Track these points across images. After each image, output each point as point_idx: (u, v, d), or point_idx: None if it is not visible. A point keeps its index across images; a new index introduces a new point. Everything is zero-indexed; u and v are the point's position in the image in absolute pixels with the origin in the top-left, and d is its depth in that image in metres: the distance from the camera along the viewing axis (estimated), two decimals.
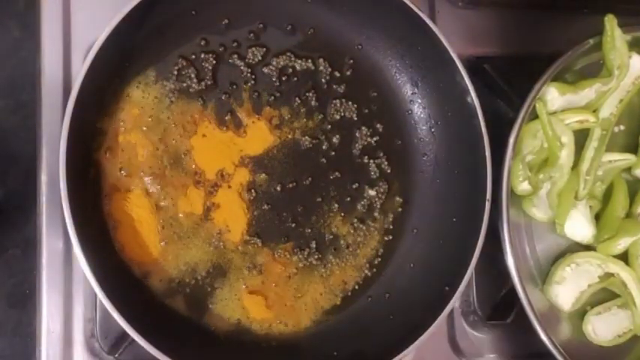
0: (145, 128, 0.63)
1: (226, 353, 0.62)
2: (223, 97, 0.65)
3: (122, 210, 0.61)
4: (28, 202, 0.64)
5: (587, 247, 0.71)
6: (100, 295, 0.55)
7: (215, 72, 0.65)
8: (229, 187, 0.64)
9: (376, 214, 0.67)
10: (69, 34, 0.66)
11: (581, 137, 0.70)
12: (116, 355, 0.63)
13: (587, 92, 0.69)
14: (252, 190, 0.64)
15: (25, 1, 0.67)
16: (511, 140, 0.64)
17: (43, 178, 0.64)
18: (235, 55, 0.66)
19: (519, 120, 0.64)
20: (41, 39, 0.65)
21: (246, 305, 0.63)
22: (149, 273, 0.62)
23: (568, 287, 0.68)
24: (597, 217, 0.71)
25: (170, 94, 0.64)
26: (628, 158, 0.72)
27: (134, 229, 0.62)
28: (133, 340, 0.55)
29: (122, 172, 0.62)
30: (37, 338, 0.63)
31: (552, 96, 0.68)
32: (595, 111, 0.71)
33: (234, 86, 0.65)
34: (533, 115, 0.67)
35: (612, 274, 0.68)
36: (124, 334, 0.58)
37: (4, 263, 0.66)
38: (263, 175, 0.65)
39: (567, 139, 0.68)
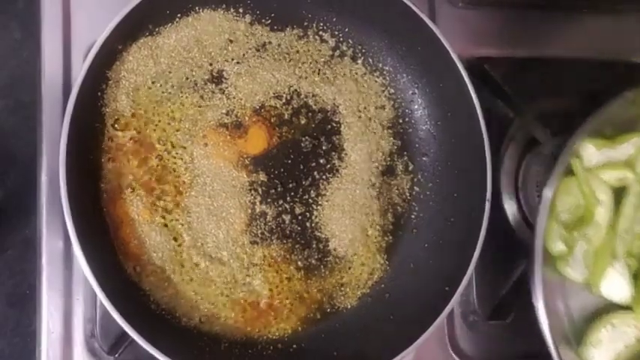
0: (145, 128, 0.63)
1: (226, 353, 0.62)
2: (224, 97, 0.65)
3: (122, 210, 0.62)
4: (28, 202, 0.64)
5: (626, 307, 0.67)
6: (100, 295, 0.55)
7: (215, 72, 0.65)
8: (230, 186, 0.64)
9: (376, 214, 0.67)
10: (69, 34, 0.66)
11: (619, 193, 0.67)
12: (116, 355, 0.63)
13: (626, 147, 0.66)
14: (252, 190, 0.65)
15: (25, 2, 0.68)
16: (547, 197, 0.60)
17: (43, 178, 0.64)
18: (235, 55, 0.66)
19: (555, 176, 0.61)
20: (41, 40, 0.66)
21: (246, 306, 0.63)
22: (149, 273, 0.62)
23: (604, 350, 0.65)
24: (636, 276, 0.67)
25: (170, 95, 0.64)
26: None
27: (134, 228, 0.62)
28: (133, 340, 0.55)
29: (122, 171, 0.62)
30: (37, 338, 0.63)
31: (589, 151, 0.65)
32: (634, 166, 0.67)
33: (234, 86, 0.65)
34: (568, 171, 0.63)
35: None
36: (124, 334, 0.58)
37: (4, 263, 0.66)
38: (263, 175, 0.65)
39: (605, 196, 0.65)
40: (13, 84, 0.67)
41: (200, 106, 0.64)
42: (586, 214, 0.65)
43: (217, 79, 0.65)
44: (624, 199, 0.66)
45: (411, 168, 0.69)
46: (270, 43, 0.67)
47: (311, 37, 0.68)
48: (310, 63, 0.68)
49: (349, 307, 0.66)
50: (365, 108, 0.68)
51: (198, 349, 0.61)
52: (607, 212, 0.65)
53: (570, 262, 0.66)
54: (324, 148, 0.67)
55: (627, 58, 0.78)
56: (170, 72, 0.64)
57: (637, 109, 0.66)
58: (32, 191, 0.64)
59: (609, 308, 0.67)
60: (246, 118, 0.65)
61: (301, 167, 0.66)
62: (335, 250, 0.66)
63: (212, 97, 0.65)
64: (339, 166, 0.67)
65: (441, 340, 0.70)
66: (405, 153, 0.69)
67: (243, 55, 0.66)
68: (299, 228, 0.65)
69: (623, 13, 0.78)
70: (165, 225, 0.62)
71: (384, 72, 0.69)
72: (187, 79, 0.65)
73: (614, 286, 0.66)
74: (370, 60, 0.69)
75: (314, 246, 0.65)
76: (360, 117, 0.68)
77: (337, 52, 0.69)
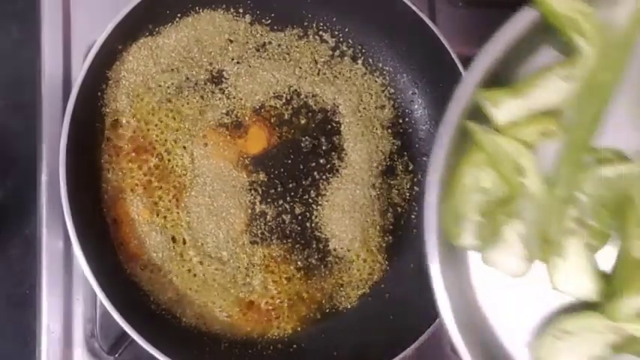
0: (145, 128, 0.63)
1: (225, 353, 0.62)
2: (224, 97, 0.65)
3: (122, 210, 0.62)
4: (28, 202, 0.65)
5: (591, 304, 0.50)
6: (100, 295, 0.55)
7: (215, 72, 0.65)
8: (230, 186, 0.64)
9: (376, 214, 0.67)
10: (69, 34, 0.66)
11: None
12: (116, 355, 0.63)
13: (540, 93, 0.50)
14: (252, 190, 0.65)
15: (25, 2, 0.68)
16: (435, 174, 0.48)
17: (43, 178, 0.64)
18: (235, 55, 0.66)
19: (441, 147, 0.49)
20: (41, 40, 0.66)
21: (246, 306, 0.63)
22: (149, 273, 0.62)
23: None
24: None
25: (170, 95, 0.64)
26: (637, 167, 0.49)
27: (134, 228, 0.62)
28: (133, 340, 0.55)
29: (122, 171, 0.62)
30: (37, 338, 0.63)
31: (496, 107, 0.50)
32: (558, 116, 0.50)
33: (234, 86, 0.65)
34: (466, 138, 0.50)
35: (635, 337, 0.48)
36: (124, 334, 0.58)
37: (4, 263, 0.66)
38: (263, 175, 0.65)
39: (528, 160, 0.49)
40: (12, 84, 0.67)
41: (200, 106, 0.64)
42: (510, 190, 0.50)
43: (217, 79, 0.65)
44: (559, 160, 0.50)
45: (411, 168, 0.69)
46: (270, 43, 0.67)
47: (311, 37, 0.68)
48: (310, 63, 0.68)
49: (349, 307, 0.66)
50: (365, 108, 0.68)
51: (199, 349, 0.61)
52: (538, 180, 0.49)
53: (501, 255, 0.50)
54: (324, 148, 0.67)
55: None
56: (170, 72, 0.64)
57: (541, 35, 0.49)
58: (32, 191, 0.64)
59: (572, 306, 0.51)
60: (246, 118, 0.65)
61: (301, 167, 0.66)
62: (335, 250, 0.66)
63: (212, 97, 0.65)
64: (339, 166, 0.67)
65: (441, 340, 0.70)
66: (405, 153, 0.69)
67: (243, 55, 0.66)
68: (299, 228, 0.65)
69: None
70: (165, 225, 0.62)
71: (384, 72, 0.69)
72: (187, 79, 0.65)
73: (572, 277, 0.49)
74: (370, 60, 0.69)
75: (314, 246, 0.65)
76: (360, 117, 0.68)
77: (337, 52, 0.69)
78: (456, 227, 0.50)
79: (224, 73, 0.66)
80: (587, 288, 0.49)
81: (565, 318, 0.50)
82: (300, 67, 0.67)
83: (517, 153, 0.50)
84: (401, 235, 0.68)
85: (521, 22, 0.49)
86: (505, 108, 0.50)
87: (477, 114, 0.50)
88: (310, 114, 0.67)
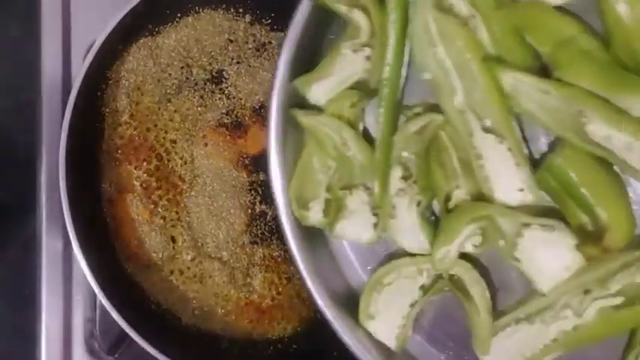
0: (145, 128, 0.63)
1: (226, 353, 0.62)
2: (224, 97, 0.65)
3: (122, 210, 0.62)
4: (28, 202, 0.65)
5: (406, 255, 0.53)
6: (100, 296, 0.55)
7: (215, 72, 0.65)
8: (230, 186, 0.64)
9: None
10: (69, 34, 0.66)
11: None
12: (116, 355, 0.63)
13: (346, 66, 0.51)
14: (252, 190, 0.65)
15: (25, 2, 0.68)
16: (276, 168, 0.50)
17: (43, 178, 0.64)
18: (235, 55, 0.66)
19: (273, 139, 0.50)
20: (41, 39, 0.66)
21: (246, 306, 0.63)
22: (149, 273, 0.62)
23: (385, 319, 0.52)
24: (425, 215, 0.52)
25: (170, 95, 0.64)
26: (431, 119, 0.49)
27: (134, 228, 0.62)
28: (133, 340, 0.55)
29: (122, 172, 0.62)
30: (37, 338, 0.63)
31: (308, 91, 0.51)
32: (368, 83, 0.52)
33: (234, 86, 0.66)
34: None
35: (441, 276, 0.51)
36: (124, 334, 0.58)
37: (4, 263, 0.66)
38: (263, 175, 0.65)
39: (348, 133, 0.50)
40: (12, 84, 0.68)
41: (200, 106, 0.64)
42: (344, 164, 0.51)
43: (217, 79, 0.65)
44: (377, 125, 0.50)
45: None
46: (270, 43, 0.67)
47: None
48: None
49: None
50: None
51: (199, 349, 0.61)
52: (360, 148, 0.51)
53: (349, 225, 0.52)
54: None
55: None
56: (170, 72, 0.64)
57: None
58: (32, 191, 0.64)
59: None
60: (246, 118, 0.65)
61: None
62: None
63: (212, 97, 0.65)
64: None
65: None
66: None
67: (243, 55, 0.66)
68: None
69: None
70: (165, 225, 0.62)
71: None
72: (187, 79, 0.65)
73: (407, 233, 0.51)
74: None
75: None
76: None
77: None
78: (302, 210, 0.52)
79: (224, 73, 0.66)
80: (420, 243, 0.50)
81: (379, 271, 0.51)
82: None
83: (337, 128, 0.51)
84: None
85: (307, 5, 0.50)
86: (316, 90, 0.51)
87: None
88: None
